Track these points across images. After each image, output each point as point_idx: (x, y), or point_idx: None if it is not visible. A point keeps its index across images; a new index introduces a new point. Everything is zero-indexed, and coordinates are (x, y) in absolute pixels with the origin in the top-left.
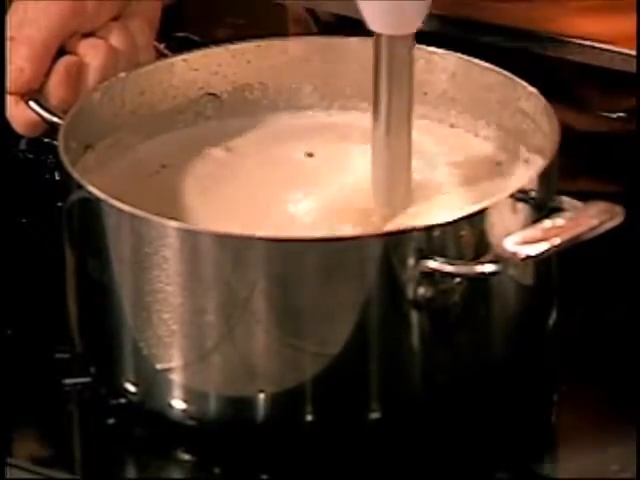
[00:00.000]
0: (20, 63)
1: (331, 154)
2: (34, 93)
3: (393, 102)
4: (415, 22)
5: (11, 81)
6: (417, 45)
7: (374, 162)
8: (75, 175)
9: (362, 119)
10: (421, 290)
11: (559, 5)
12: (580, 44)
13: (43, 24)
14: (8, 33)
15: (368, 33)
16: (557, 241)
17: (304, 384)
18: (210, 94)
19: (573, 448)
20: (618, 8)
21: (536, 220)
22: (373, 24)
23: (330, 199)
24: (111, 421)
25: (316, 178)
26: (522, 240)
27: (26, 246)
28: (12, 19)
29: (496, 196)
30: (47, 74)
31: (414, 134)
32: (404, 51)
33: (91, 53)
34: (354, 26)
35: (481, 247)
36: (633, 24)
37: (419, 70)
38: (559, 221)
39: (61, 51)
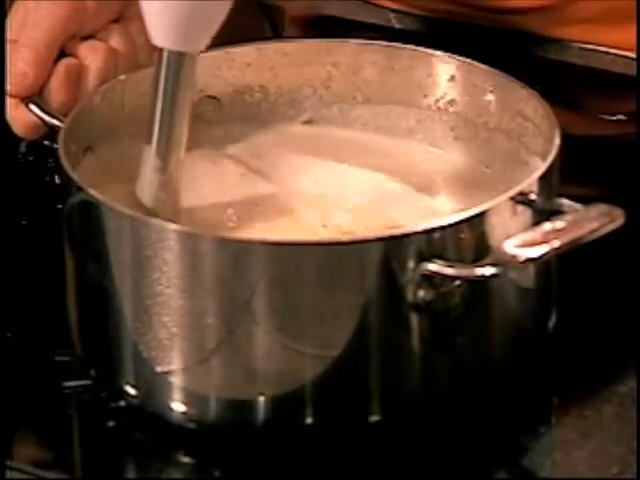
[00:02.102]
0: (23, 67)
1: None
2: (35, 96)
3: (165, 121)
4: (203, 40)
5: (13, 84)
6: (417, 47)
7: (143, 181)
8: (75, 178)
9: (361, 121)
10: (421, 293)
11: (559, 16)
12: (581, 47)
13: (45, 26)
14: (8, 35)
15: (367, 35)
16: (557, 244)
17: (304, 387)
18: (210, 97)
19: (573, 449)
20: (618, 18)
21: (536, 223)
22: (157, 38)
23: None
24: (111, 424)
25: (317, 181)
26: (522, 243)
27: (26, 249)
28: (12, 21)
29: (496, 199)
30: (48, 77)
31: (414, 136)
32: (187, 71)
33: (91, 55)
34: (353, 28)
35: (481, 250)
36: (633, 34)
37: (419, 73)
38: (559, 224)
39: (61, 53)
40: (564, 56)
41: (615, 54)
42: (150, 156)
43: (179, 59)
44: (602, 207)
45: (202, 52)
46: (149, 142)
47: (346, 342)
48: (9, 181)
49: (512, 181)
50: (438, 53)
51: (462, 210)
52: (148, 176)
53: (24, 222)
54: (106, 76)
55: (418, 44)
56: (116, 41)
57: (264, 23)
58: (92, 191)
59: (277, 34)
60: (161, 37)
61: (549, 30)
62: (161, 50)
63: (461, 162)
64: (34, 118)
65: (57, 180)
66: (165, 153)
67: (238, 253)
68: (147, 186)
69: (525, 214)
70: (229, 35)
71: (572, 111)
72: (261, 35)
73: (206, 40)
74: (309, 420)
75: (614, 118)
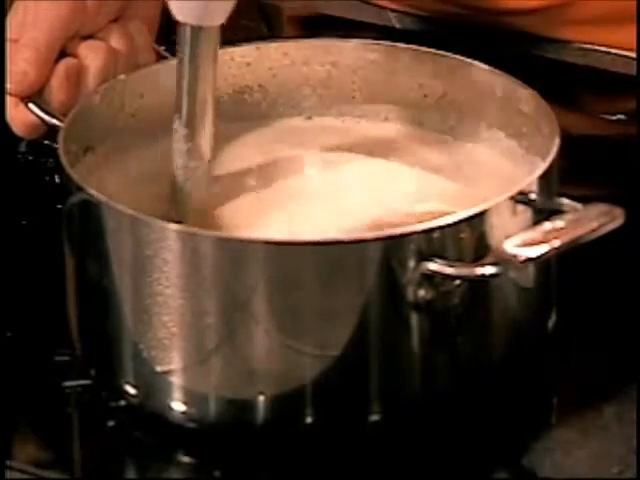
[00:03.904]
0: (24, 66)
1: (329, 158)
2: (35, 95)
3: (197, 95)
4: (221, 15)
5: (13, 83)
6: (417, 47)
7: (175, 154)
8: (75, 177)
9: (361, 122)
10: (421, 292)
11: (558, 17)
12: (580, 47)
13: (45, 26)
14: (9, 34)
15: (367, 35)
16: (557, 243)
17: (304, 386)
18: None
19: (573, 449)
20: (617, 19)
21: (536, 222)
22: (178, 14)
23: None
24: (111, 423)
25: (316, 181)
26: (522, 242)
27: (26, 248)
28: (12, 20)
29: (496, 198)
30: (48, 76)
31: (415, 136)
32: (209, 43)
33: (91, 55)
34: (353, 28)
35: (481, 249)
36: (632, 34)
37: (419, 73)
38: (559, 223)
39: (61, 53)
40: (564, 56)
41: (615, 54)
42: (178, 125)
43: (199, 33)
44: (602, 207)
45: None
46: (179, 115)
47: (346, 342)
48: (9, 181)
49: (512, 181)
50: (438, 53)
51: (462, 210)
52: (178, 146)
53: (24, 222)
54: (106, 76)
55: (418, 44)
56: (116, 41)
57: (261, 23)
58: (92, 191)
59: (274, 34)
60: (182, 13)
61: (548, 31)
62: (182, 25)
63: (460, 162)
64: (34, 117)
65: (57, 180)
66: (191, 122)
67: (238, 253)
68: (178, 156)
69: (525, 213)
70: (228, 35)
71: (572, 111)
72: (259, 35)
73: (223, 14)
74: (309, 420)
75: (614, 118)
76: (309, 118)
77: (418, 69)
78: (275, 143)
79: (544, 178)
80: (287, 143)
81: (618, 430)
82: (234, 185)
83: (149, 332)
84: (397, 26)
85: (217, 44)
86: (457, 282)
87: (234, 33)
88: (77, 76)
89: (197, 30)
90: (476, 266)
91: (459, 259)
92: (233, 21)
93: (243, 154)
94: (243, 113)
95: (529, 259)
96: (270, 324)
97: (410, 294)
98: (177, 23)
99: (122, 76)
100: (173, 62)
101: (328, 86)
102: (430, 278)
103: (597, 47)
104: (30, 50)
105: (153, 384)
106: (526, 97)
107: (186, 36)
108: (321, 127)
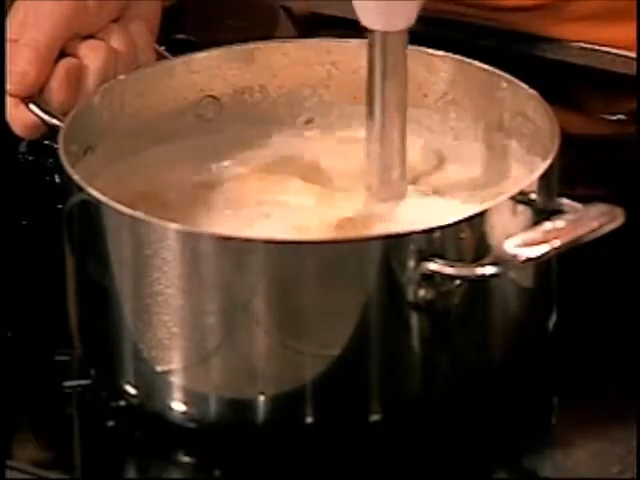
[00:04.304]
0: (23, 66)
1: (330, 156)
2: (35, 95)
3: (386, 98)
4: (408, 19)
5: (13, 84)
6: (417, 47)
7: (369, 155)
8: (75, 177)
9: (361, 121)
10: (421, 292)
11: (557, 14)
12: (580, 47)
13: (46, 26)
14: (9, 34)
15: (366, 36)
16: (557, 243)
17: (304, 386)
18: (210, 97)
19: (573, 449)
20: (615, 15)
21: (536, 222)
22: (366, 20)
23: (330, 203)
24: (111, 423)
25: (315, 180)
26: (522, 242)
27: (26, 248)
28: (13, 20)
29: (497, 198)
30: (48, 76)
31: (415, 136)
32: (397, 47)
33: (91, 55)
34: (353, 28)
35: (481, 249)
36: (630, 31)
37: (419, 72)
38: (559, 223)
39: (61, 53)
40: (564, 56)
41: (615, 54)
42: (372, 128)
43: (386, 37)
44: (602, 207)
45: (203, 51)
46: (370, 117)
47: (346, 342)
48: (9, 181)
49: (512, 181)
50: (438, 53)
51: (462, 210)
52: (372, 147)
53: (24, 222)
54: (106, 76)
55: (418, 44)
56: (116, 41)
57: (267, 22)
58: (92, 191)
59: (274, 34)
60: (367, 19)
61: (547, 28)
62: (372, 32)
63: (461, 162)
64: (34, 118)
65: (57, 180)
66: (384, 124)
67: (238, 252)
68: (372, 158)
69: (525, 214)
70: (227, 35)
71: (572, 111)
72: (258, 35)
73: (408, 19)
74: (309, 420)
75: (614, 118)
76: (309, 122)
77: (418, 69)
78: (275, 143)
79: (544, 178)
80: (287, 143)
81: (618, 430)
82: (233, 184)
83: (149, 332)
84: None
85: (405, 47)
86: (457, 282)
87: (232, 33)
88: (77, 76)
89: (384, 35)
90: (476, 266)
91: (459, 259)
92: (230, 22)
93: (244, 155)
94: (244, 113)
95: (529, 259)
96: (270, 324)
97: (410, 294)
98: (366, 29)
99: (122, 76)
100: (173, 62)
101: (328, 86)
102: (430, 278)
103: (597, 47)
104: (30, 50)
105: (153, 384)
106: (526, 97)
107: (374, 41)
108: (321, 127)
